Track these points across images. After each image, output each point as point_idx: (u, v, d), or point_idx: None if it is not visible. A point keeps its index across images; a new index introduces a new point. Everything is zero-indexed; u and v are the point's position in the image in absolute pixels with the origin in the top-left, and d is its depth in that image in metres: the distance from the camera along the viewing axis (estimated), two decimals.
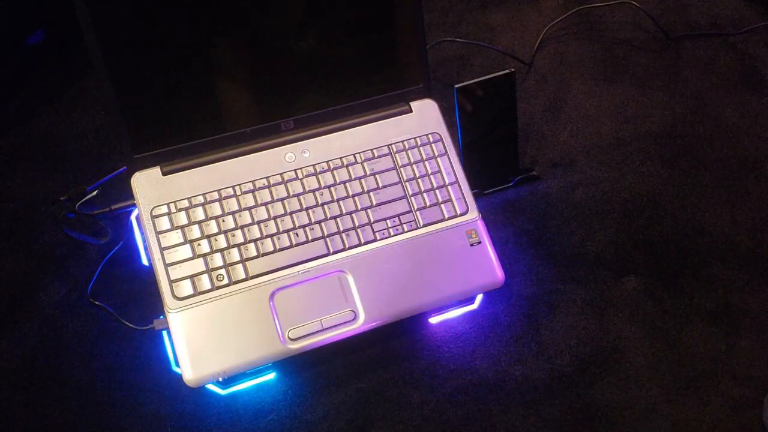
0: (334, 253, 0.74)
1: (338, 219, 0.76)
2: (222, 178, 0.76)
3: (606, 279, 0.84)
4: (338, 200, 0.76)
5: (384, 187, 0.78)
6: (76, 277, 0.85)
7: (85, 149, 0.98)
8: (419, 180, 0.79)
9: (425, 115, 0.82)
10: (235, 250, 0.73)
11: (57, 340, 0.80)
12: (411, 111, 0.82)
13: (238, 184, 0.76)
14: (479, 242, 0.77)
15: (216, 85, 0.75)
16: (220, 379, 0.71)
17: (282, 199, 0.76)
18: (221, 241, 0.73)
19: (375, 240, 0.75)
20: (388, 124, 0.81)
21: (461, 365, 0.77)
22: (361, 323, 0.72)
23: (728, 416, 0.73)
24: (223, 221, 0.74)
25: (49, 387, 0.76)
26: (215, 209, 0.74)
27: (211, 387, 0.74)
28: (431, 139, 0.80)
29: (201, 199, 0.74)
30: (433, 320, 0.79)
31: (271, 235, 0.74)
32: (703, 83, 1.06)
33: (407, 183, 0.78)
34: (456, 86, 0.84)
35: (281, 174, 0.77)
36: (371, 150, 0.79)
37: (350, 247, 0.75)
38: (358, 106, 0.80)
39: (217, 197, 0.75)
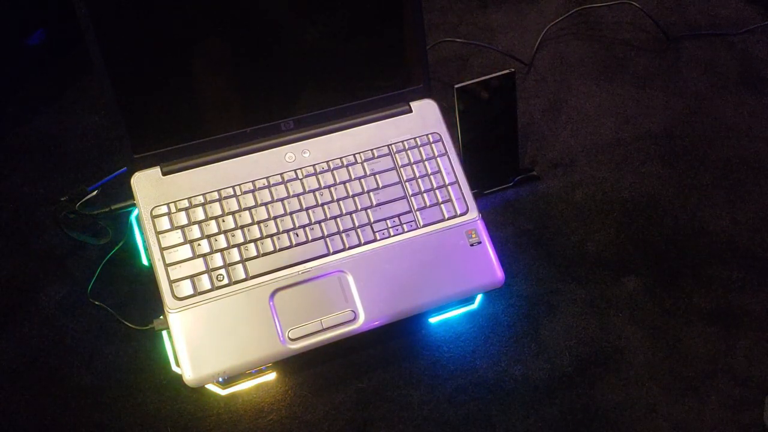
0: (334, 253, 0.74)
1: (338, 219, 0.76)
2: (222, 178, 0.76)
3: (606, 279, 0.84)
4: (338, 200, 0.76)
5: (384, 187, 0.78)
6: (76, 277, 0.85)
7: (85, 149, 0.98)
8: (419, 180, 0.79)
9: (425, 115, 0.82)
10: (235, 250, 0.73)
11: (57, 340, 0.80)
12: (411, 111, 0.82)
13: (238, 184, 0.76)
14: (479, 242, 0.77)
15: (216, 85, 0.75)
16: (220, 379, 0.71)
17: (282, 199, 0.76)
18: (221, 241, 0.73)
19: (375, 240, 0.75)
20: (388, 124, 0.81)
21: (461, 365, 0.77)
22: (361, 323, 0.72)
23: (728, 416, 0.73)
24: (223, 221, 0.74)
25: (49, 387, 0.76)
26: (215, 209, 0.74)
27: (211, 387, 0.74)
28: (431, 139, 0.80)
29: (201, 199, 0.74)
30: (433, 320, 0.79)
31: (271, 235, 0.74)
32: (703, 83, 1.06)
33: (407, 183, 0.78)
34: (456, 86, 0.84)
35: (281, 174, 0.77)
36: (371, 150, 0.79)
37: (350, 247, 0.75)
38: (358, 106, 0.80)
39: (217, 197, 0.75)
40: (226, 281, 0.72)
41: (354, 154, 0.79)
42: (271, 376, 0.75)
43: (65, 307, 0.82)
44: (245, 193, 0.75)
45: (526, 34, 1.14)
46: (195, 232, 0.73)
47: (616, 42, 1.13)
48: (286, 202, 0.76)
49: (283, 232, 0.74)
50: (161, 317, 0.72)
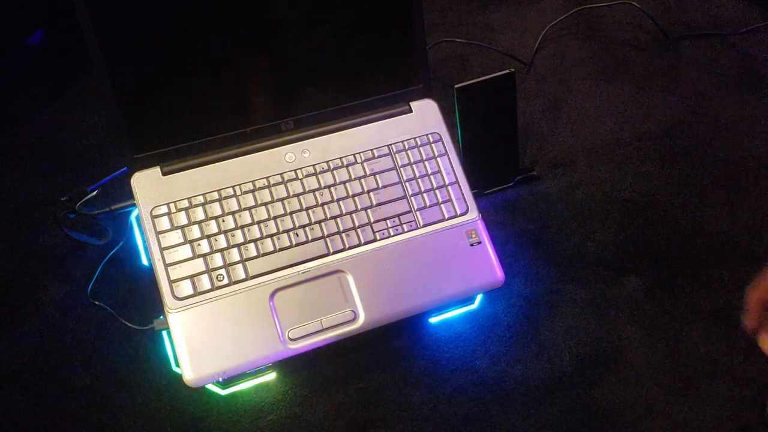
0: (334, 253, 0.74)
1: (338, 219, 0.76)
2: (222, 178, 0.76)
3: (606, 279, 0.84)
4: (338, 200, 0.76)
5: (384, 187, 0.78)
6: (76, 277, 0.85)
7: (85, 149, 0.98)
8: (419, 180, 0.79)
9: (425, 115, 0.82)
10: (235, 250, 0.73)
11: (57, 340, 0.80)
12: (411, 111, 0.82)
13: (238, 184, 0.76)
14: (479, 242, 0.77)
15: (216, 85, 0.75)
16: (220, 379, 0.71)
17: (282, 199, 0.76)
18: (221, 241, 0.73)
19: (375, 240, 0.75)
20: (388, 124, 0.81)
21: (461, 365, 0.77)
22: (361, 323, 0.72)
23: (728, 416, 0.73)
24: (223, 221, 0.74)
25: (49, 387, 0.76)
26: (215, 209, 0.74)
27: (211, 387, 0.74)
28: (431, 139, 0.80)
29: (201, 199, 0.74)
30: (433, 320, 0.79)
31: (271, 235, 0.74)
32: (703, 83, 1.06)
33: (407, 183, 0.78)
34: (456, 86, 0.84)
35: (281, 174, 0.77)
36: (371, 150, 0.79)
37: (350, 247, 0.75)
38: (358, 106, 0.80)
39: (217, 197, 0.75)
40: (226, 281, 0.72)
41: (354, 154, 0.79)
42: (271, 376, 0.75)
43: (65, 307, 0.82)
44: (245, 193, 0.75)
45: (526, 34, 1.14)
46: (195, 232, 0.73)
47: (616, 42, 1.13)
48: (286, 202, 0.76)
49: (283, 232, 0.74)
50: (161, 317, 0.72)
